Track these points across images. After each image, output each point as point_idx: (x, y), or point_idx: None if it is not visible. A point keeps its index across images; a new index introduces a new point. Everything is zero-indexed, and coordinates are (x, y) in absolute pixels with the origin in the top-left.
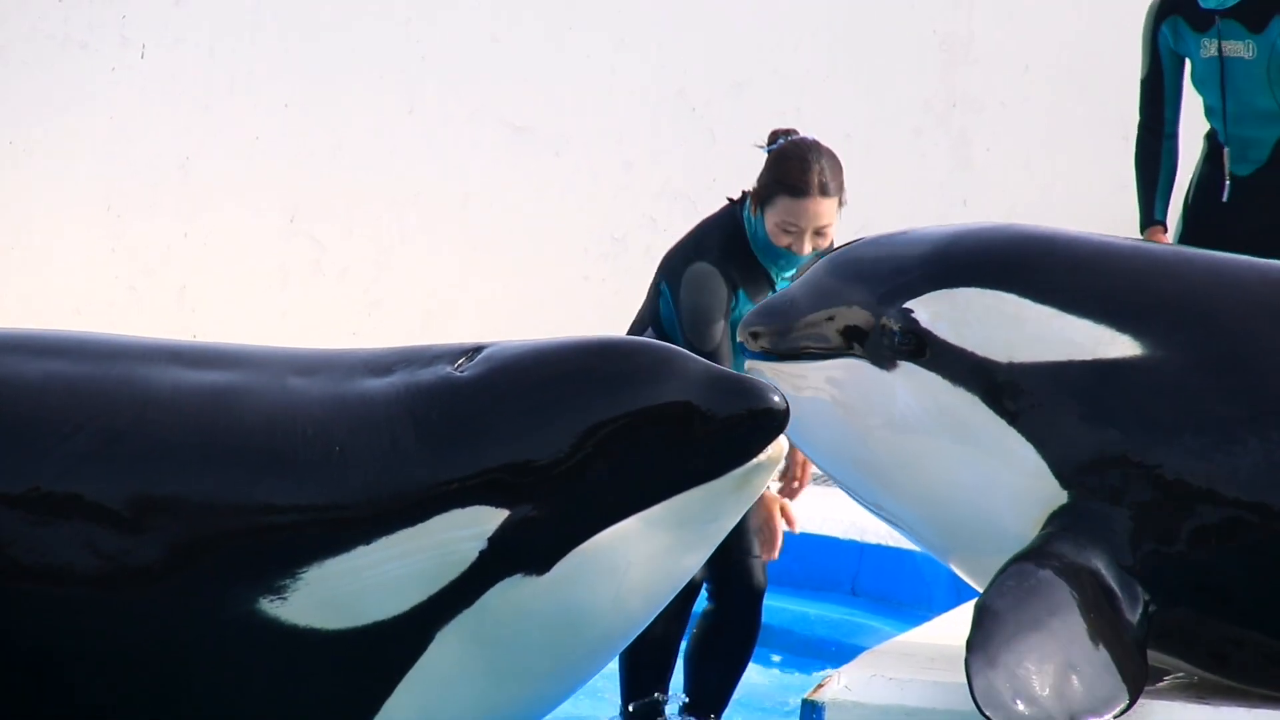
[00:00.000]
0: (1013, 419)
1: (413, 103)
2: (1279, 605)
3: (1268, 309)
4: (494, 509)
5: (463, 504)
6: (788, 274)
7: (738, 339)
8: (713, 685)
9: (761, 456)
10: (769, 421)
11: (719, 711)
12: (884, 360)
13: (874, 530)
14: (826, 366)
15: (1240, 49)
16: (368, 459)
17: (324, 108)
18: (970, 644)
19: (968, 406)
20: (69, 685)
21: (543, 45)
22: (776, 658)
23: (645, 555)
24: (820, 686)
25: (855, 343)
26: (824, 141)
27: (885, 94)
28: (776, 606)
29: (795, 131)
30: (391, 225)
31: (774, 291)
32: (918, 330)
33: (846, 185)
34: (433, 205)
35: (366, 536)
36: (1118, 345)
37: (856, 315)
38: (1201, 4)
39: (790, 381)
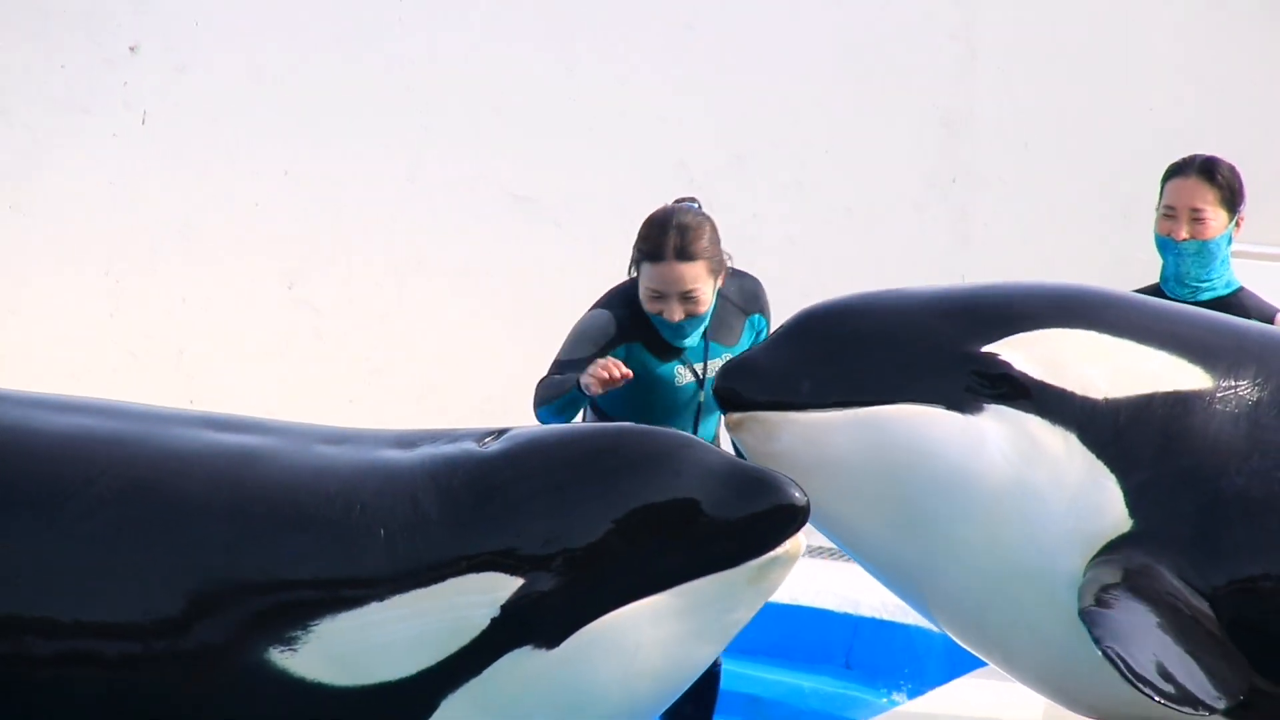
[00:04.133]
0: (1102, 452)
1: (413, 170)
2: None
3: None
4: (508, 578)
5: (478, 570)
6: (684, 342)
7: (719, 393)
8: None
9: (779, 550)
10: (789, 516)
11: None
12: (967, 406)
13: (868, 603)
14: (880, 415)
15: None
16: (388, 519)
17: (324, 174)
18: (1131, 667)
19: (1062, 444)
20: None
21: (545, 115)
22: None
23: (656, 639)
24: None
25: (920, 389)
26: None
27: (886, 168)
28: (771, 679)
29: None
30: (391, 293)
31: (680, 358)
32: (1011, 373)
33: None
34: (433, 274)
35: (380, 595)
36: (1190, 376)
37: (919, 362)
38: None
39: (815, 433)
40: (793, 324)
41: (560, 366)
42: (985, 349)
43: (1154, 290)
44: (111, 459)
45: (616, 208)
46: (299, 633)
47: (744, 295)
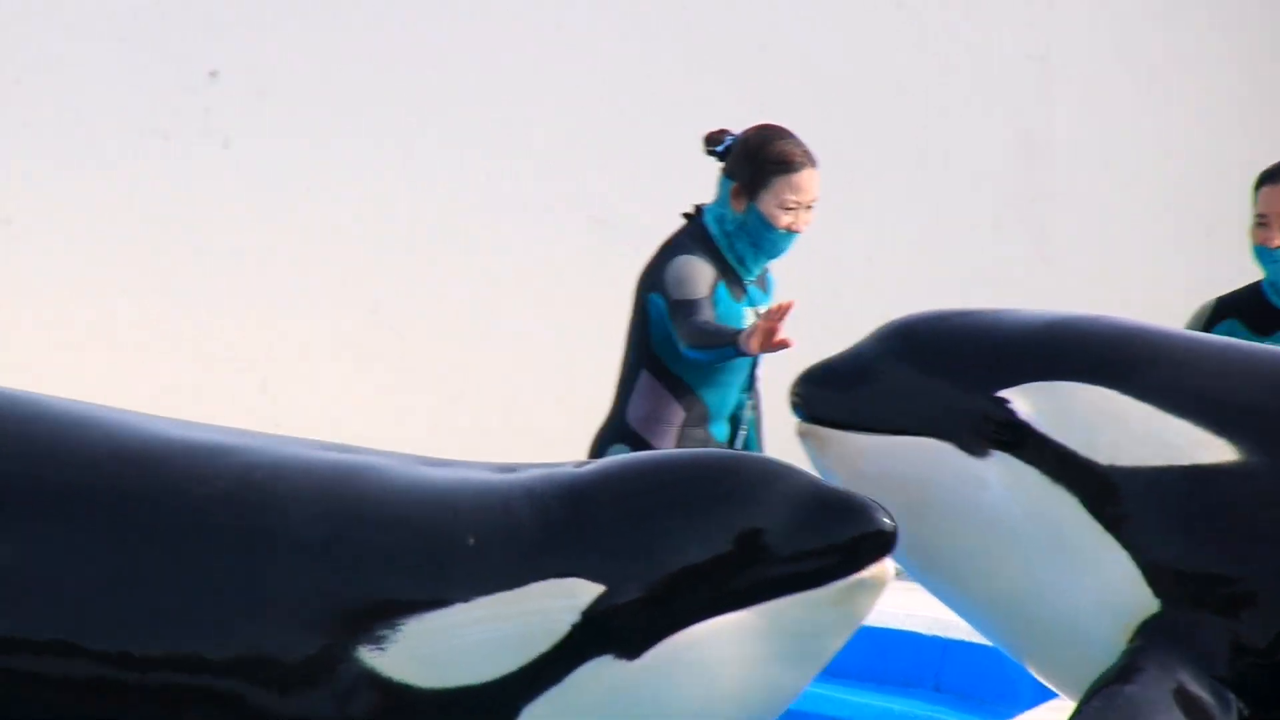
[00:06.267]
0: (1109, 523)
1: (493, 194)
2: None
3: None
4: (592, 584)
5: (561, 574)
6: (772, 259)
7: (792, 399)
8: None
9: (864, 574)
10: (876, 540)
11: None
12: (975, 447)
13: (957, 626)
14: (902, 445)
15: None
16: (480, 525)
17: (406, 199)
18: None
19: (1064, 506)
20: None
21: (625, 136)
22: None
23: (739, 658)
24: None
25: (940, 424)
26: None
27: (965, 188)
28: (859, 703)
29: (730, 131)
30: (473, 318)
31: (746, 292)
32: (1016, 421)
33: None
34: (515, 299)
35: (467, 594)
36: (1215, 450)
37: (943, 395)
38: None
39: (853, 454)
40: (870, 338)
41: (689, 306)
42: (1000, 392)
43: (1253, 291)
44: (227, 464)
45: None
46: (387, 632)
47: None
